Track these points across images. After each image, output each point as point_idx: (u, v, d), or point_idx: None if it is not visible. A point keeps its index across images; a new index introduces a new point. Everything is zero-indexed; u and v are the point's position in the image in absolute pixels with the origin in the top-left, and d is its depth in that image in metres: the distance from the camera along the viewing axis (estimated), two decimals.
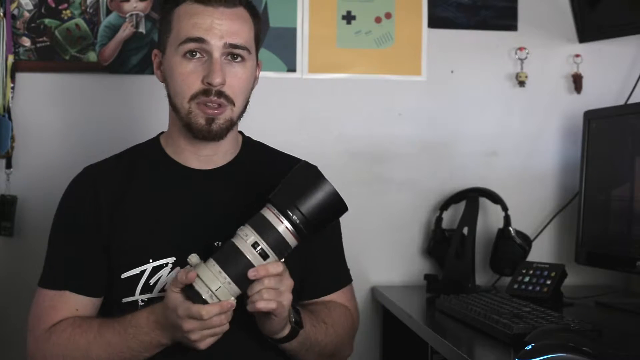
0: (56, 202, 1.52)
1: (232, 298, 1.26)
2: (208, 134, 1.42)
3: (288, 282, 1.30)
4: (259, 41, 1.50)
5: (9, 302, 2.09)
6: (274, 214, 1.27)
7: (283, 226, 1.27)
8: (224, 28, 1.40)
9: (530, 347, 1.27)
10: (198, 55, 1.41)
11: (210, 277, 1.25)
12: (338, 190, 1.27)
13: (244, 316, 1.31)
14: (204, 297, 1.24)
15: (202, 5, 1.41)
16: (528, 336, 1.38)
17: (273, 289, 1.28)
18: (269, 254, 1.26)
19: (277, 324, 1.33)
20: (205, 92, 1.40)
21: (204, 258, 1.34)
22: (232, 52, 1.42)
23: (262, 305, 1.27)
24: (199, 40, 1.40)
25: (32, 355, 1.43)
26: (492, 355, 1.50)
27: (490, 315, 1.56)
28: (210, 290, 1.24)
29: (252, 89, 1.49)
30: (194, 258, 1.28)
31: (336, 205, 1.29)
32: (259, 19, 1.50)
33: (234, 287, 1.26)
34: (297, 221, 1.26)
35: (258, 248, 1.26)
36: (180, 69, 1.41)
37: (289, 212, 1.26)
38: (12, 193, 2.08)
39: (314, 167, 1.32)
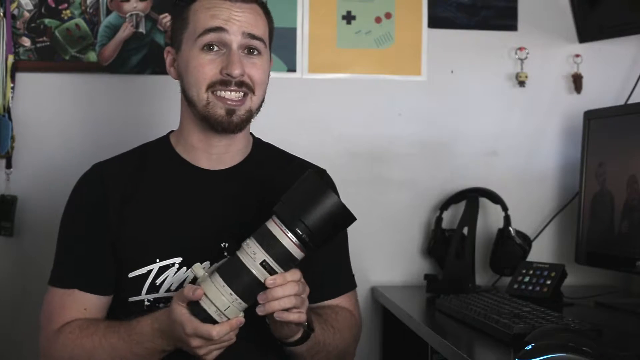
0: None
1: (241, 314, 1.24)
2: (228, 126, 1.41)
3: (307, 289, 1.30)
4: (271, 41, 1.50)
5: (9, 302, 2.09)
6: (279, 227, 1.23)
7: (289, 240, 1.23)
8: (242, 19, 1.41)
9: (530, 347, 1.27)
10: (216, 48, 1.40)
11: (217, 294, 1.22)
12: (340, 192, 1.25)
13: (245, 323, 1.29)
14: (213, 317, 1.22)
15: (220, 0, 1.41)
16: (528, 336, 1.38)
17: (296, 297, 1.25)
18: (275, 269, 1.23)
19: (294, 329, 1.33)
20: (223, 83, 1.40)
21: (211, 259, 1.33)
22: (250, 45, 1.42)
23: (295, 317, 1.26)
24: (218, 29, 1.40)
25: (43, 353, 1.43)
26: (492, 355, 1.50)
27: (490, 315, 1.56)
28: (219, 309, 1.22)
29: (267, 85, 1.48)
30: (198, 270, 1.25)
31: (342, 218, 1.24)
32: (271, 19, 1.50)
33: (242, 303, 1.23)
34: (303, 235, 1.22)
35: (266, 265, 1.23)
36: (197, 61, 1.41)
37: (294, 226, 1.22)
38: (12, 193, 2.07)
39: (319, 178, 1.26)
